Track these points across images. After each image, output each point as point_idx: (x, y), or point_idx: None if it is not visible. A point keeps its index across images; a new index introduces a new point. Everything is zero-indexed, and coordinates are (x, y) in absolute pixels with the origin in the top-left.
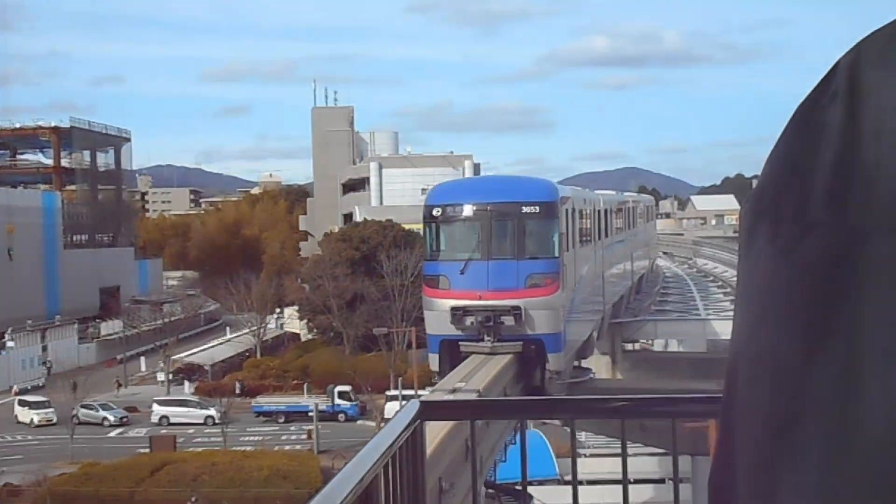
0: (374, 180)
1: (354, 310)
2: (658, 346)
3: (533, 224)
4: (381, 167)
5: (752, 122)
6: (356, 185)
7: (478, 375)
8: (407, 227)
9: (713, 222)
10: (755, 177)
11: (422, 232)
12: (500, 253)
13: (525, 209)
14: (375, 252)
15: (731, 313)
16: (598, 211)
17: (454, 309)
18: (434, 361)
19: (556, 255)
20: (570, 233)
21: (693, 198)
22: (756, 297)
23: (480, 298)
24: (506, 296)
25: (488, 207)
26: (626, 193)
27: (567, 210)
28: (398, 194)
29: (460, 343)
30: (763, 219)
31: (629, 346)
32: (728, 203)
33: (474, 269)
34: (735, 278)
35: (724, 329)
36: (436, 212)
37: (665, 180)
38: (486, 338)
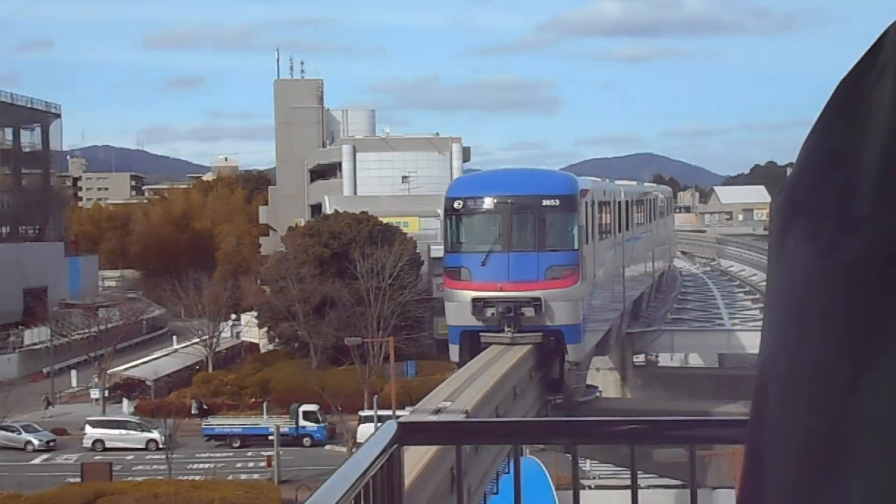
0: (346, 166)
1: (323, 316)
2: (670, 359)
3: (553, 217)
4: (355, 151)
5: (786, 101)
6: (326, 172)
7: (478, 382)
8: (385, 220)
9: (740, 217)
10: (789, 165)
11: (442, 224)
12: (521, 245)
13: (545, 202)
14: (348, 249)
15: (761, 323)
16: (619, 203)
17: (475, 300)
18: (454, 352)
19: (576, 247)
20: (589, 225)
21: (717, 189)
22: (791, 304)
23: (501, 290)
24: (526, 287)
25: (509, 200)
26: (645, 184)
27: (587, 203)
28: (375, 182)
29: (481, 334)
30: (799, 213)
31: (639, 360)
32: (757, 195)
33: (495, 261)
34: (765, 283)
35: (751, 341)
36: (457, 204)
37: (685, 168)
38: (506, 329)
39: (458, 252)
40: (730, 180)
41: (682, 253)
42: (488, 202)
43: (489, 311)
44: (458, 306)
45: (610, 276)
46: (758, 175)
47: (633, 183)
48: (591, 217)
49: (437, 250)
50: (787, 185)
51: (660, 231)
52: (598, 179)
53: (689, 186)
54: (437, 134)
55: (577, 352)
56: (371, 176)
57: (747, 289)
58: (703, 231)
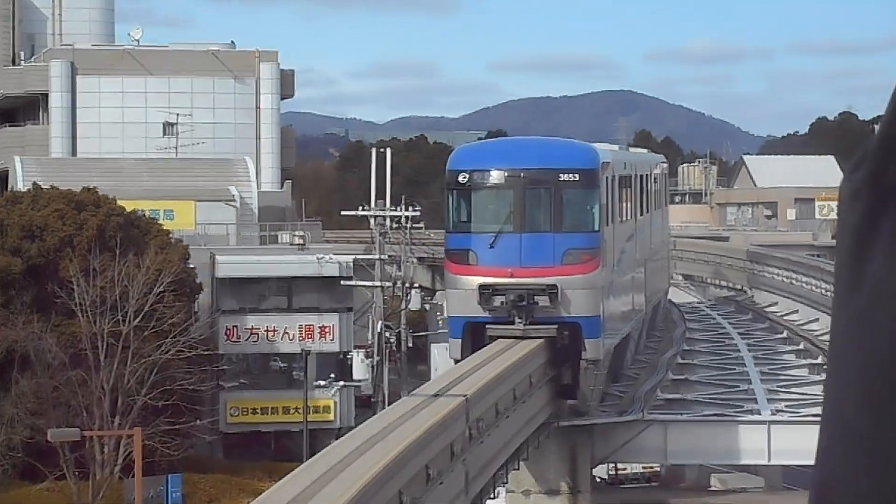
0: (58, 100)
1: (6, 387)
2: (658, 472)
3: (571, 193)
4: (74, 72)
5: (868, 10)
6: (17, 111)
7: (478, 374)
8: (130, 205)
9: (791, 214)
10: (877, 121)
11: (443, 200)
12: (535, 225)
13: (563, 176)
14: (58, 261)
15: (822, 407)
16: (641, 178)
17: (482, 287)
18: (455, 348)
19: (597, 228)
20: (610, 205)
21: (749, 160)
22: (879, 364)
23: (512, 275)
24: (541, 273)
25: (521, 174)
26: (625, 148)
27: (608, 178)
28: (111, 133)
29: (487, 326)
30: (892, 204)
31: (602, 476)
32: (822, 173)
33: (505, 243)
34: (830, 332)
35: (807, 442)
36: (462, 178)
37: (690, 121)
38: (516, 320)
39: (463, 233)
40: (772, 145)
41: (685, 278)
42: (498, 176)
43: (498, 300)
44: (462, 294)
45: (631, 267)
46: (821, 135)
47: (644, 150)
48: (613, 195)
49: (229, 266)
50: (870, 155)
51: (654, 232)
52: (616, 148)
53: (698, 155)
54: (233, 43)
55: (595, 348)
56: (105, 121)
57: (801, 345)
58: (725, 238)
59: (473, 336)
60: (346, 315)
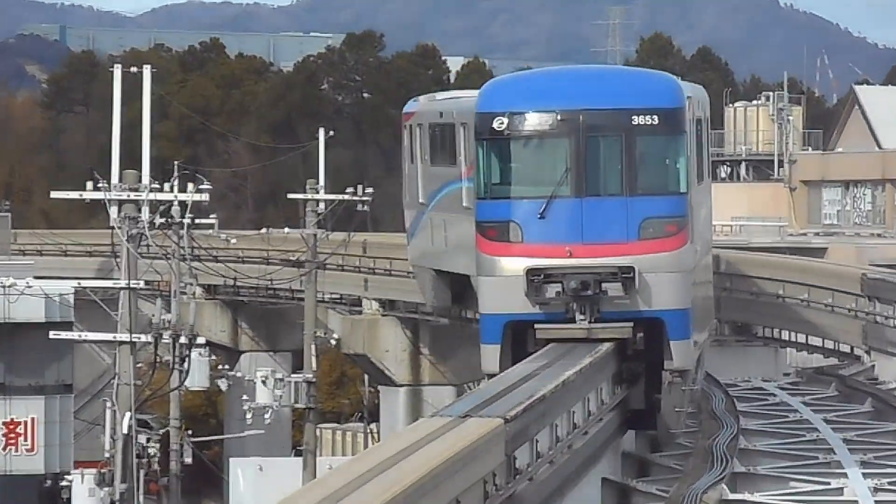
0: None
1: None
2: None
3: (650, 142)
4: None
5: None
6: None
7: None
8: None
9: None
10: None
11: (473, 155)
12: (601, 187)
13: (637, 119)
14: None
15: None
16: (699, 123)
17: (531, 272)
18: (491, 357)
19: (683, 189)
20: (694, 158)
21: (865, 94)
22: None
23: (570, 256)
24: (610, 251)
25: (581, 117)
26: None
27: (692, 120)
28: None
29: (536, 326)
30: None
31: None
32: None
33: (560, 212)
34: None
35: None
36: (498, 123)
37: (749, 17)
38: (577, 316)
39: (501, 199)
40: None
41: (736, 330)
42: (548, 120)
43: (552, 290)
44: (502, 283)
45: (704, 254)
46: None
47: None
48: (697, 143)
49: None
50: None
51: (703, 220)
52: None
53: (765, 84)
54: None
55: (684, 353)
56: None
57: None
58: (819, 251)
59: (515, 341)
60: (62, 401)
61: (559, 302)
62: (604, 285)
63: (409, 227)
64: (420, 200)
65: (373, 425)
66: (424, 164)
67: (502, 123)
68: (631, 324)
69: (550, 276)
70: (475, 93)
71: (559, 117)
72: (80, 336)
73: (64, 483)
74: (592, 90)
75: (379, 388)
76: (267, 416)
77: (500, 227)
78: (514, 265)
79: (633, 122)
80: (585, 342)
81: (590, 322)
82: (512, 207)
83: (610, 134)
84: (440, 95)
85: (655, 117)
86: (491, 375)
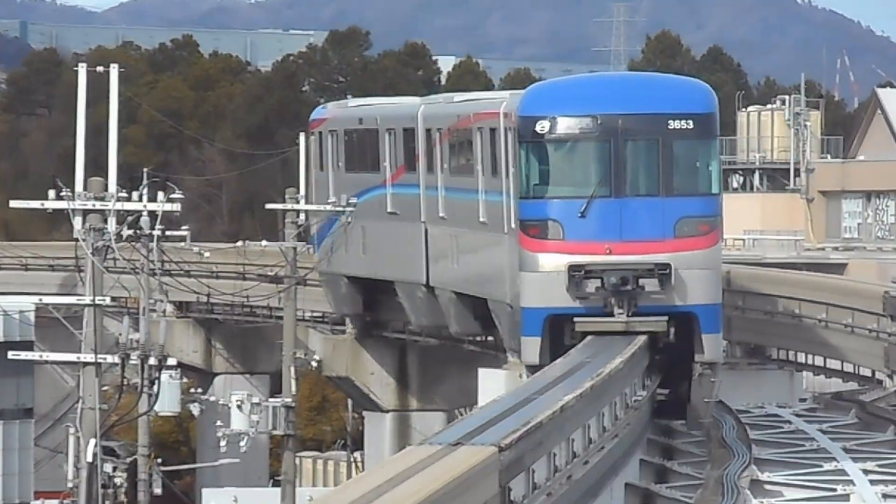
0: None
1: None
2: None
3: (685, 145)
4: None
5: None
6: None
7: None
8: None
9: None
10: None
11: (515, 157)
12: (639, 187)
13: (673, 123)
14: None
15: None
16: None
17: (573, 268)
18: (531, 348)
19: (716, 190)
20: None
21: (889, 97)
22: None
23: (610, 252)
24: (648, 248)
25: (620, 121)
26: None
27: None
28: None
29: (575, 319)
30: None
31: None
32: None
33: (600, 211)
34: None
35: None
36: (540, 126)
37: (764, 14)
38: (616, 310)
39: (542, 198)
40: None
41: (751, 352)
42: (589, 124)
43: (592, 285)
44: (542, 279)
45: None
46: None
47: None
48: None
49: None
50: None
51: None
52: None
53: (780, 88)
54: None
55: (715, 346)
56: None
57: None
58: (839, 267)
59: (558, 333)
60: (21, 426)
61: (598, 297)
62: (641, 281)
63: (316, 234)
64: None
65: (356, 454)
66: (338, 170)
67: (544, 127)
68: (666, 318)
69: (591, 272)
70: (398, 99)
71: (599, 121)
72: (41, 356)
73: None
74: (630, 95)
75: (363, 413)
76: (243, 443)
77: (541, 225)
78: (556, 262)
79: (669, 127)
80: (627, 334)
81: (627, 316)
82: (554, 207)
83: (647, 137)
84: (353, 102)
85: (690, 122)
86: (531, 367)
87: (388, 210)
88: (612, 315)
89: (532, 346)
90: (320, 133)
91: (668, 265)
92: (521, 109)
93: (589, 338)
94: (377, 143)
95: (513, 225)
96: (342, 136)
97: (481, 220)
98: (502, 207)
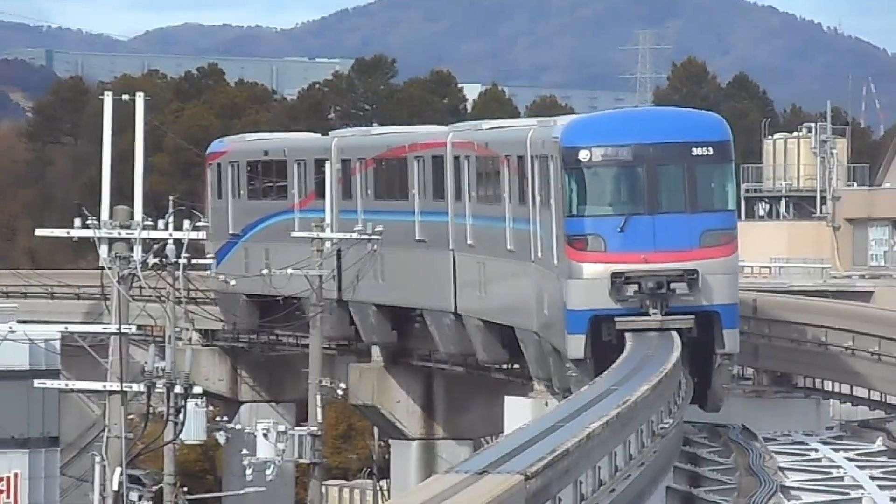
0: None
1: None
2: None
3: (706, 169)
4: None
5: None
6: None
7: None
8: None
9: None
10: None
11: (559, 181)
12: (669, 205)
13: (696, 150)
14: None
15: None
16: None
17: (614, 275)
18: (577, 345)
19: (732, 206)
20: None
21: None
22: None
23: (646, 261)
24: (678, 257)
25: (651, 149)
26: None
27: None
28: None
29: (616, 319)
30: None
31: None
32: None
33: (636, 226)
34: None
35: None
36: (583, 155)
37: (788, 40)
38: (651, 311)
39: (586, 216)
40: None
41: (775, 381)
42: (625, 152)
43: (630, 289)
44: (588, 284)
45: None
46: None
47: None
48: None
49: None
50: None
51: None
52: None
53: (805, 115)
54: None
55: (733, 340)
56: None
57: None
58: (865, 295)
59: (600, 331)
60: (47, 455)
61: (636, 299)
62: (672, 285)
63: (217, 252)
64: (231, 231)
65: (382, 482)
66: (238, 198)
67: (587, 155)
68: (693, 316)
69: (630, 278)
70: (303, 135)
71: (634, 150)
72: (67, 385)
73: None
74: (658, 127)
75: (389, 441)
76: (269, 471)
77: (584, 239)
78: (599, 269)
79: (693, 153)
80: (661, 330)
81: (662, 315)
82: (596, 223)
83: (674, 163)
84: (250, 136)
85: (710, 148)
86: (577, 361)
87: (292, 234)
88: (647, 314)
89: (577, 343)
90: (218, 165)
91: (695, 271)
92: (563, 140)
93: (629, 334)
94: (284, 172)
95: (539, 254)
96: (244, 167)
97: (509, 248)
98: (506, 230)
